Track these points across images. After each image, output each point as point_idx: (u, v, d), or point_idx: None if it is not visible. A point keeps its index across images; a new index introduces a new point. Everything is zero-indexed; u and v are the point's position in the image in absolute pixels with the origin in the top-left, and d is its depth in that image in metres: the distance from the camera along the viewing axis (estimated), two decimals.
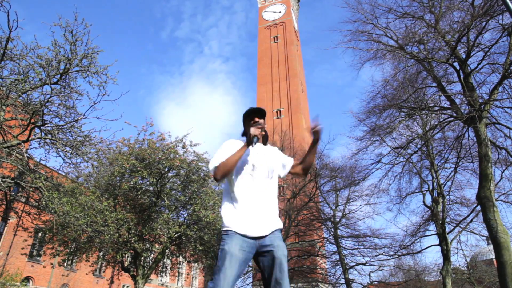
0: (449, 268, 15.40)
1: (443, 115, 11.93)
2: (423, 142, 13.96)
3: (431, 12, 11.50)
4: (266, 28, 53.29)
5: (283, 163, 2.42)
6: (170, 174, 12.42)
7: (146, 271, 12.65)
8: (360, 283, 22.93)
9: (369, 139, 12.73)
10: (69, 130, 9.35)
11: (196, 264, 16.13)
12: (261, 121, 2.31)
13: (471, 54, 10.39)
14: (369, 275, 22.16)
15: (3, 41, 8.00)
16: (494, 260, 10.28)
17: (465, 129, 11.50)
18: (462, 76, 10.63)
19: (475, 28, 9.80)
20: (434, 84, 11.80)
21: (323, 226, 25.44)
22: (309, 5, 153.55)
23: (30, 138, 8.92)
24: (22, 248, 16.62)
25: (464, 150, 12.69)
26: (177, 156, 12.02)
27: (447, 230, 16.01)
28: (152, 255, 14.33)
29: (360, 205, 27.29)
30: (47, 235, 12.55)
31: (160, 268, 15.83)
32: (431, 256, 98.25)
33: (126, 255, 13.27)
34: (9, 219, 20.35)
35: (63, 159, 9.88)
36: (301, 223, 24.54)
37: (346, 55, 49.28)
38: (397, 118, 12.33)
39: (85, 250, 12.28)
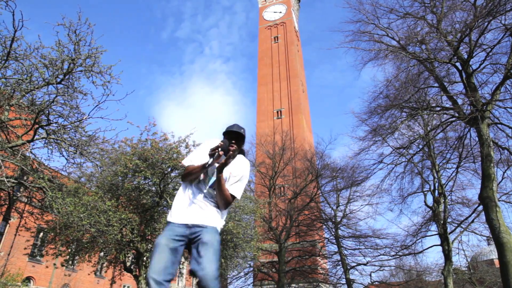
0: (451, 268, 15.40)
1: (445, 115, 11.95)
2: (425, 142, 13.96)
3: (432, 12, 11.53)
4: (267, 28, 53.31)
5: (229, 185, 2.45)
6: (173, 174, 12.40)
7: None
8: (361, 283, 22.94)
9: (371, 139, 12.75)
10: (73, 130, 9.37)
11: None
12: (231, 147, 2.40)
13: (473, 55, 10.41)
14: (370, 275, 22.18)
15: (8, 41, 8.01)
16: (495, 260, 10.28)
17: (467, 129, 11.52)
18: (464, 76, 10.65)
19: (477, 28, 9.81)
20: (436, 84, 11.82)
21: (324, 226, 25.47)
22: (310, 5, 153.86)
23: (34, 138, 8.94)
24: (25, 248, 16.64)
25: (466, 150, 12.70)
26: (180, 156, 12.01)
27: (448, 230, 16.02)
28: None
29: (361, 205, 27.38)
30: (49, 235, 12.56)
31: None
32: (432, 256, 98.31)
33: (129, 255, 13.26)
34: (10, 219, 20.36)
35: (66, 159, 9.91)
36: (302, 223, 24.58)
37: (348, 55, 49.36)
38: (399, 118, 12.36)
39: (88, 250, 12.29)
